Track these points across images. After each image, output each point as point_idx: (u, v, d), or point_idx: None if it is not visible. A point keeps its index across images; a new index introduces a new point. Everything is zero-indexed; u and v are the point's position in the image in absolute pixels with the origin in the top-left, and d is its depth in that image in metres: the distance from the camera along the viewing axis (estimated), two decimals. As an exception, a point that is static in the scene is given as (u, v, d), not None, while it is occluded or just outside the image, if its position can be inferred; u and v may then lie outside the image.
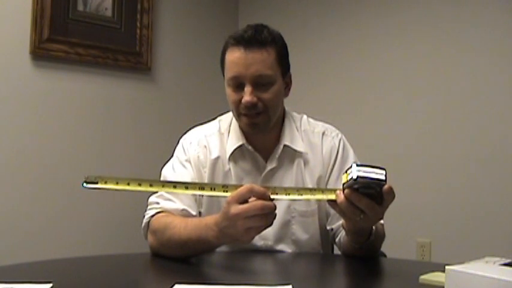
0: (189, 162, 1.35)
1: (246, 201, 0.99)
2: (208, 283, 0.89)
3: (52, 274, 1.02)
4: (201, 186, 1.06)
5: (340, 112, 2.73)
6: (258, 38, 1.27)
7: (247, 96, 1.25)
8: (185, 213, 1.26)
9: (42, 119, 2.46)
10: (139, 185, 0.99)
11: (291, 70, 1.38)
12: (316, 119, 1.45)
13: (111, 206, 2.60)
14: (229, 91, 1.30)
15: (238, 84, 1.27)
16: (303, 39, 2.90)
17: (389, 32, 2.63)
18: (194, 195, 1.31)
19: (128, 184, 0.98)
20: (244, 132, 1.35)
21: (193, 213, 1.28)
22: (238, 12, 3.29)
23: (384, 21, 2.66)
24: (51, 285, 0.86)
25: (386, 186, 0.97)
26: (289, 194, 1.04)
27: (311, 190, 1.10)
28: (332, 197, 1.02)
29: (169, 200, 1.28)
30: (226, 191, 1.02)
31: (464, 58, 2.37)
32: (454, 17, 2.41)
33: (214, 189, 1.03)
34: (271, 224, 1.00)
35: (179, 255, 1.15)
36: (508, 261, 0.97)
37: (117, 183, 0.97)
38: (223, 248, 1.31)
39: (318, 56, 2.90)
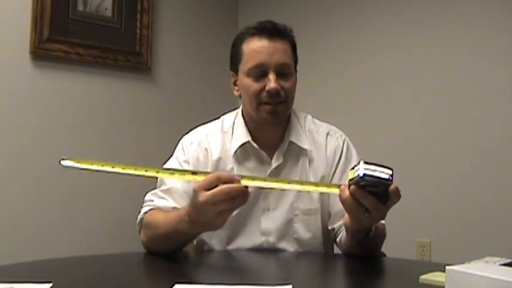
0: (187, 163, 1.35)
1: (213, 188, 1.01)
2: (208, 283, 0.89)
3: (52, 274, 1.02)
4: (172, 172, 1.08)
5: (341, 111, 2.73)
6: (278, 28, 1.31)
7: (272, 83, 1.26)
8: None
9: (42, 119, 2.46)
10: (113, 167, 1.03)
11: None
12: (320, 120, 1.46)
13: (111, 205, 2.60)
14: (248, 81, 1.30)
15: (261, 73, 1.28)
16: (303, 38, 2.88)
17: (391, 32, 2.63)
18: (188, 195, 1.31)
19: (102, 166, 1.03)
20: (251, 128, 1.35)
21: None
22: (238, 12, 3.29)
23: (385, 20, 2.66)
24: (51, 285, 0.86)
25: (392, 186, 0.98)
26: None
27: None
28: (336, 191, 1.02)
29: (163, 198, 1.30)
30: (195, 174, 1.04)
31: (466, 58, 2.37)
32: (457, 17, 2.41)
33: (184, 174, 1.07)
34: (243, 203, 1.01)
35: (164, 248, 1.18)
36: (508, 261, 0.97)
37: (103, 165, 1.02)
38: (223, 248, 1.32)
39: (318, 55, 2.90)
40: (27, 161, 2.40)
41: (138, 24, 2.75)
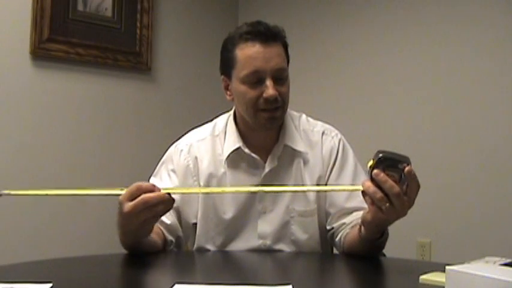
0: (175, 172, 1.35)
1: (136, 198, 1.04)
2: (208, 283, 0.88)
3: (52, 274, 1.02)
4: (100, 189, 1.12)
5: (340, 112, 2.73)
6: (271, 31, 1.27)
7: (270, 91, 1.23)
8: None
9: (42, 119, 2.46)
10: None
11: (290, 69, 1.38)
12: (315, 119, 1.45)
13: (112, 206, 2.59)
14: (243, 88, 1.26)
15: (257, 80, 1.25)
16: (303, 38, 2.90)
17: (389, 32, 2.63)
18: (176, 208, 1.30)
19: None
20: (243, 132, 1.34)
21: (168, 221, 1.29)
22: (238, 12, 3.29)
23: (383, 20, 2.66)
24: (51, 285, 0.86)
25: (407, 168, 1.00)
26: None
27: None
28: (359, 187, 1.05)
29: None
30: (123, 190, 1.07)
31: (464, 58, 2.37)
32: (454, 16, 2.41)
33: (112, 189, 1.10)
34: (166, 209, 1.05)
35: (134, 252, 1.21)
36: (508, 261, 0.97)
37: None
38: (222, 248, 1.32)
39: (317, 55, 2.90)
40: (27, 161, 2.40)
41: (138, 24, 2.75)
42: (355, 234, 1.20)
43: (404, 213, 1.05)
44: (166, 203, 1.04)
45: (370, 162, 1.02)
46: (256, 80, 1.25)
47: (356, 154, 1.42)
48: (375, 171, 1.01)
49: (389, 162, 1.00)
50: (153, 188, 1.04)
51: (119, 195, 1.07)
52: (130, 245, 1.19)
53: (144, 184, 1.05)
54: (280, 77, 1.26)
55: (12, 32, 2.38)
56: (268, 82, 1.24)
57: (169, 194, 1.04)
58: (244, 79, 1.26)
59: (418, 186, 1.03)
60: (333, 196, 1.33)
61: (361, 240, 1.17)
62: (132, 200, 1.04)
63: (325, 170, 1.35)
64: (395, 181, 1.00)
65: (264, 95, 1.24)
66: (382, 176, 1.00)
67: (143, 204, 1.02)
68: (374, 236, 1.14)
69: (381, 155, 1.01)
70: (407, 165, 1.01)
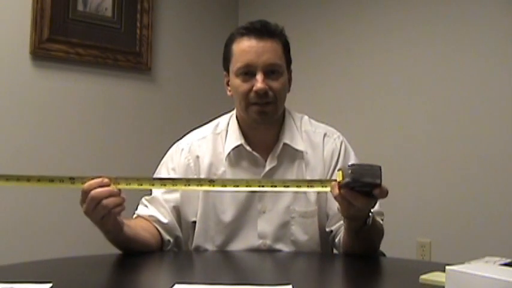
0: (174, 170, 1.35)
1: None
2: (208, 283, 0.89)
3: (52, 274, 1.02)
4: (61, 179, 1.09)
5: (341, 112, 2.73)
6: (268, 28, 1.30)
7: (259, 84, 1.25)
8: (153, 219, 1.30)
9: (42, 119, 2.46)
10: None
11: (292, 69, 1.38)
12: (317, 120, 1.45)
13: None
14: (237, 82, 1.29)
15: (249, 73, 1.27)
16: (303, 39, 2.90)
17: (391, 32, 2.63)
18: (169, 202, 1.32)
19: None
20: (244, 129, 1.35)
21: (165, 221, 1.30)
22: (238, 12, 3.29)
23: (385, 21, 2.66)
24: (51, 285, 0.86)
25: (376, 191, 1.01)
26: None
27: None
28: (327, 189, 1.06)
29: (145, 206, 1.33)
30: (73, 183, 1.08)
31: (466, 58, 2.37)
32: (456, 17, 2.41)
33: (62, 182, 1.09)
34: (118, 202, 1.07)
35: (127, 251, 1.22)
36: (508, 261, 0.97)
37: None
38: (222, 248, 1.32)
39: (317, 55, 2.90)
40: (27, 161, 2.40)
41: (138, 24, 2.75)
42: (344, 232, 1.22)
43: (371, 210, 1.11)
44: (114, 195, 1.07)
45: (338, 177, 1.01)
46: (248, 73, 1.28)
47: (359, 155, 1.41)
48: (343, 191, 1.01)
49: (358, 183, 0.99)
50: (100, 184, 1.06)
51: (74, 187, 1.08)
52: (115, 243, 1.21)
53: (92, 182, 1.07)
54: (272, 72, 1.28)
55: (12, 32, 2.38)
56: (259, 76, 1.26)
57: (119, 189, 1.07)
58: (237, 72, 1.29)
59: (387, 194, 1.04)
60: (333, 198, 1.32)
61: (348, 232, 1.19)
62: (85, 200, 1.07)
63: (327, 171, 1.35)
64: (366, 192, 1.01)
65: (254, 88, 1.26)
66: (350, 194, 1.02)
67: (92, 200, 1.06)
68: (356, 224, 1.15)
69: (351, 178, 0.97)
70: (379, 182, 0.99)
